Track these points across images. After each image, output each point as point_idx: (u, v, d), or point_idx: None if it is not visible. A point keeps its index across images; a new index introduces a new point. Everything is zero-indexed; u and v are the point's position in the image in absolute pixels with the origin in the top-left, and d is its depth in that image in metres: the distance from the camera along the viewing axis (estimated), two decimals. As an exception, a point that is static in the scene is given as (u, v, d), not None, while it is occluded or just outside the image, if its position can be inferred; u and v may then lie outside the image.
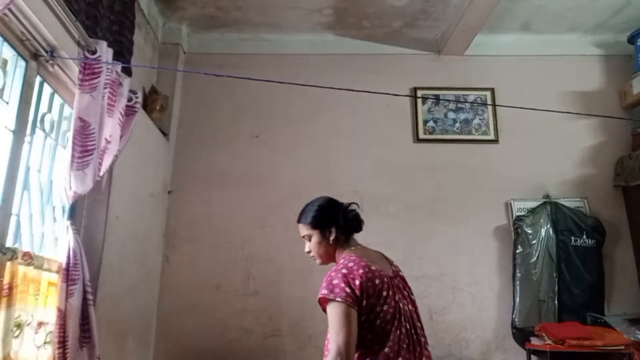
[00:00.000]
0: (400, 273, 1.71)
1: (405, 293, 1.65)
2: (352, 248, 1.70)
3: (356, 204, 1.78)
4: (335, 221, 1.70)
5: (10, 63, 1.88)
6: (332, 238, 1.69)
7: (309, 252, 1.76)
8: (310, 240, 1.74)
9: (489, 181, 3.37)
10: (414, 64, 3.66)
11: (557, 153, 3.43)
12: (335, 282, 1.50)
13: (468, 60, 3.64)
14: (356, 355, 1.47)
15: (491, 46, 3.63)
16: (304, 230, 1.75)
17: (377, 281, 1.52)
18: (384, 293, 1.52)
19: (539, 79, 3.57)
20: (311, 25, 3.57)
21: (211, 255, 3.23)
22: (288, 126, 3.51)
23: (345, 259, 1.61)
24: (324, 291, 1.50)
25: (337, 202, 1.77)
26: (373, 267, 1.56)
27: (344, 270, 1.53)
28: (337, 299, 1.46)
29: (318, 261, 1.76)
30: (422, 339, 1.60)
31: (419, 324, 1.62)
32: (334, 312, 1.46)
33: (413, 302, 1.66)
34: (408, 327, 1.54)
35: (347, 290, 1.47)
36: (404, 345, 1.49)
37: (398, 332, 1.49)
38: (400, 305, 1.55)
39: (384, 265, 1.67)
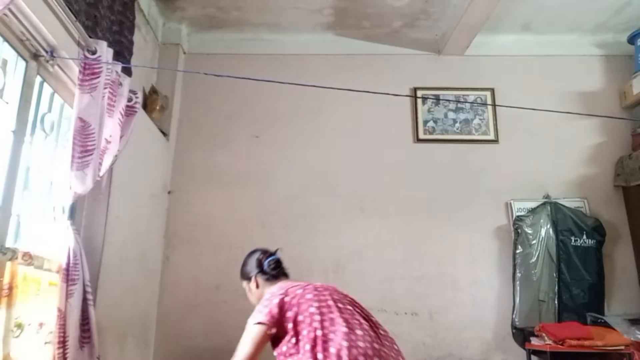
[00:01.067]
0: (329, 286, 1.82)
1: (336, 294, 1.76)
2: (275, 285, 1.87)
3: (280, 249, 2.07)
4: (256, 271, 1.97)
5: (10, 63, 1.88)
6: (254, 287, 1.97)
7: None
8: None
9: (489, 181, 3.38)
10: (414, 64, 3.66)
11: (557, 153, 3.43)
12: (258, 308, 1.68)
13: (468, 60, 3.63)
14: (320, 352, 1.52)
15: (491, 46, 3.63)
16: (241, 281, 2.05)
17: (298, 291, 1.71)
18: (308, 296, 1.68)
19: (539, 79, 3.57)
20: (311, 25, 3.57)
21: (211, 255, 3.23)
22: (288, 126, 3.51)
23: (266, 294, 1.81)
24: (248, 320, 1.65)
25: (259, 255, 2.02)
26: (290, 289, 1.73)
27: (265, 302, 1.70)
28: (256, 321, 1.62)
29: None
30: (373, 318, 1.73)
31: (364, 311, 1.74)
32: (246, 332, 1.63)
33: (347, 297, 1.78)
34: (350, 308, 1.68)
35: (265, 311, 1.63)
36: (356, 323, 1.61)
37: (345, 315, 1.62)
38: (334, 296, 1.71)
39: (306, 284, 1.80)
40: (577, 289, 3.05)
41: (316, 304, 1.63)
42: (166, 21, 3.56)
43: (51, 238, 2.14)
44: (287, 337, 1.60)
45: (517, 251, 3.13)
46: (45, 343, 1.90)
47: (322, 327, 1.56)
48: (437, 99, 3.55)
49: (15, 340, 1.71)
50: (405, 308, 3.13)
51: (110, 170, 2.34)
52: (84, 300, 1.95)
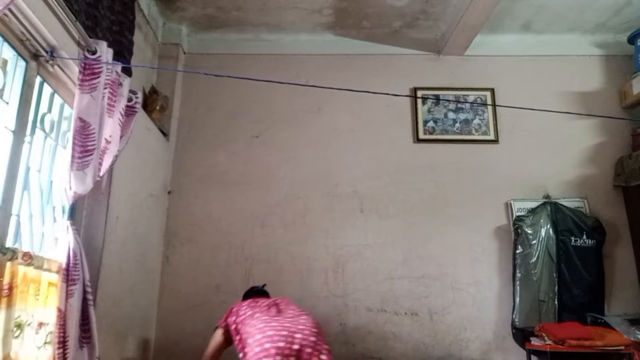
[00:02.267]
0: (279, 299, 2.38)
1: (277, 300, 2.36)
2: None
3: (265, 285, 2.71)
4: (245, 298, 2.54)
5: (10, 63, 1.89)
6: None
7: None
8: None
9: (489, 181, 3.37)
10: (414, 64, 3.66)
11: (557, 153, 3.43)
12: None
13: (468, 60, 3.64)
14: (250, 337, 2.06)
15: (491, 46, 3.63)
16: None
17: (242, 307, 2.31)
18: (246, 306, 2.32)
19: (539, 79, 3.57)
20: (311, 25, 3.57)
21: (211, 255, 3.23)
22: (288, 126, 3.51)
23: None
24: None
25: (249, 290, 2.66)
26: (241, 303, 2.38)
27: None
28: (215, 327, 2.37)
29: None
30: (302, 314, 2.24)
31: (292, 308, 2.29)
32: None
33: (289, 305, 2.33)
34: (273, 308, 2.26)
35: (221, 320, 2.36)
36: (279, 320, 2.12)
37: (266, 316, 2.18)
38: (267, 301, 2.34)
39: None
40: (577, 289, 3.05)
41: (249, 310, 2.25)
42: (166, 21, 3.56)
43: (51, 238, 2.14)
44: (235, 336, 2.22)
45: (517, 251, 3.13)
46: (45, 343, 1.89)
47: (255, 323, 2.13)
48: (437, 99, 3.55)
49: (15, 340, 1.71)
50: (405, 308, 3.13)
51: (110, 170, 2.34)
52: (84, 300, 1.95)
